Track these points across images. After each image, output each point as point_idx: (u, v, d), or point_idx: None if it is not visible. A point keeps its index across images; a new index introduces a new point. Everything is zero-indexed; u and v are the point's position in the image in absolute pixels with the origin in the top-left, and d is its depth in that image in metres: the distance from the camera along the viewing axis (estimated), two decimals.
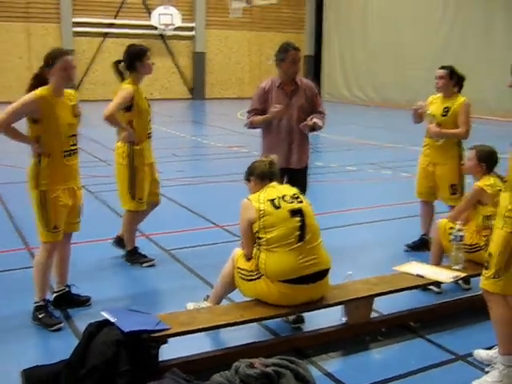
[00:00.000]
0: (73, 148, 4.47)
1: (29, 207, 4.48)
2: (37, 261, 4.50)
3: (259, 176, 4.28)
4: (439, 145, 5.84)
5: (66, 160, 4.42)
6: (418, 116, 5.96)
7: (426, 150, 6.02)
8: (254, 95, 5.60)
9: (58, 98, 4.34)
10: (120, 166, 5.48)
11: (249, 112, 5.62)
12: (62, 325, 4.42)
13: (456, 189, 5.82)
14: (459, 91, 5.90)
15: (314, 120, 5.39)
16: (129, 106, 5.34)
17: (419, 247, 6.07)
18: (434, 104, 5.93)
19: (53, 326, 4.40)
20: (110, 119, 5.26)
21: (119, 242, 5.86)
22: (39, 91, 4.27)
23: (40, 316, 4.44)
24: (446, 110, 5.81)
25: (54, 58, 4.31)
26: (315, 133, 5.72)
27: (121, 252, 5.79)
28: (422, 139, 6.05)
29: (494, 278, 3.56)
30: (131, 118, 5.38)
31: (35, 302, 4.49)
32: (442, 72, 5.83)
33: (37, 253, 4.55)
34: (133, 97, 5.32)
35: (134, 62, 5.38)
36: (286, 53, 5.38)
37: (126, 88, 5.33)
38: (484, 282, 3.64)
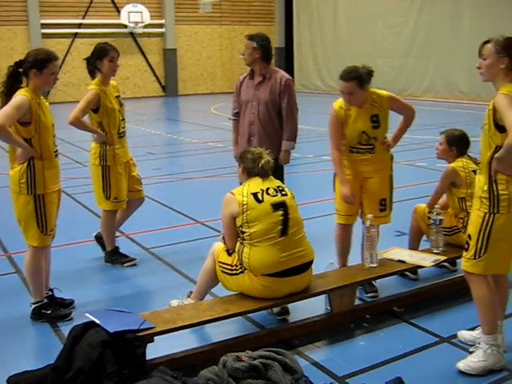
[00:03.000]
0: (57, 148, 4.45)
1: (5, 213, 4.41)
2: (31, 265, 4.43)
3: (247, 170, 4.18)
4: (368, 156, 4.69)
5: (56, 160, 4.41)
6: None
7: (349, 161, 4.76)
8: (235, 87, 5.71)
9: (40, 99, 4.29)
10: (93, 166, 5.46)
11: (233, 103, 5.72)
12: (73, 312, 4.51)
13: (385, 204, 4.78)
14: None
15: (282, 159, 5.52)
16: (96, 107, 5.28)
17: None
18: (356, 118, 4.61)
19: (68, 316, 4.46)
20: (75, 123, 5.21)
21: (99, 239, 5.83)
22: (27, 93, 4.15)
23: (49, 312, 4.45)
24: (376, 120, 4.60)
25: (47, 61, 4.20)
26: None
27: (101, 253, 5.74)
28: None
29: (474, 258, 3.60)
30: (100, 119, 5.33)
31: (36, 303, 4.46)
32: (349, 85, 4.49)
33: (27, 257, 4.46)
34: (99, 98, 5.26)
35: (94, 61, 5.32)
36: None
37: (90, 90, 5.27)
38: (465, 264, 3.68)
